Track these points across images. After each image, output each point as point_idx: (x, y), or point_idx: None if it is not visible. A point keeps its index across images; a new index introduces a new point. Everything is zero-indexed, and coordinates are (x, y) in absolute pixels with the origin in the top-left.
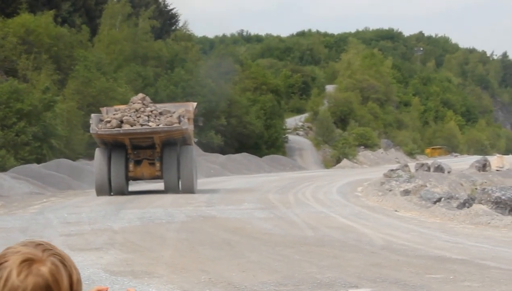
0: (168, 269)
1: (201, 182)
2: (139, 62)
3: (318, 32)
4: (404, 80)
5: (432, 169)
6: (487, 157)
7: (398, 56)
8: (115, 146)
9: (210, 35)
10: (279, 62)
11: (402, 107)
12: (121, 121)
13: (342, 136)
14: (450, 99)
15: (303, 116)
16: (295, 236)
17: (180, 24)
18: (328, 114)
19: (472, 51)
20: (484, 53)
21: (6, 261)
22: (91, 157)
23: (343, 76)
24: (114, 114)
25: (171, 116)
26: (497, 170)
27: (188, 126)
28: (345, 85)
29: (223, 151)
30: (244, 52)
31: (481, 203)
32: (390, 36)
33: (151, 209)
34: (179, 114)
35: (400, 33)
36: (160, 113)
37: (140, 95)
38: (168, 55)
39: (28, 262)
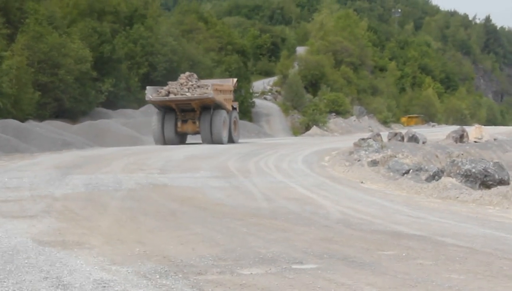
0: (102, 240)
1: (159, 148)
2: (95, 17)
3: None
4: (380, 44)
5: (406, 139)
6: (465, 127)
7: (374, 18)
8: (168, 109)
9: None
10: (247, 21)
11: (377, 72)
12: (169, 92)
13: (312, 102)
14: (429, 65)
15: (272, 79)
16: (247, 207)
17: None
18: (298, 78)
19: (453, 14)
20: (466, 16)
21: None
22: (41, 118)
23: (315, 37)
24: (166, 87)
25: (206, 88)
26: (475, 141)
27: (217, 96)
28: (317, 47)
29: None
30: (209, 9)
31: (450, 176)
32: None
33: (100, 175)
34: (212, 87)
35: None
36: (199, 86)
37: (187, 73)
38: (126, 11)
39: None
